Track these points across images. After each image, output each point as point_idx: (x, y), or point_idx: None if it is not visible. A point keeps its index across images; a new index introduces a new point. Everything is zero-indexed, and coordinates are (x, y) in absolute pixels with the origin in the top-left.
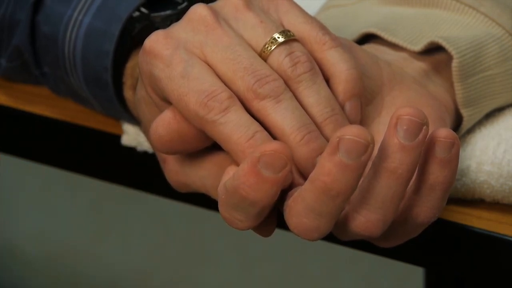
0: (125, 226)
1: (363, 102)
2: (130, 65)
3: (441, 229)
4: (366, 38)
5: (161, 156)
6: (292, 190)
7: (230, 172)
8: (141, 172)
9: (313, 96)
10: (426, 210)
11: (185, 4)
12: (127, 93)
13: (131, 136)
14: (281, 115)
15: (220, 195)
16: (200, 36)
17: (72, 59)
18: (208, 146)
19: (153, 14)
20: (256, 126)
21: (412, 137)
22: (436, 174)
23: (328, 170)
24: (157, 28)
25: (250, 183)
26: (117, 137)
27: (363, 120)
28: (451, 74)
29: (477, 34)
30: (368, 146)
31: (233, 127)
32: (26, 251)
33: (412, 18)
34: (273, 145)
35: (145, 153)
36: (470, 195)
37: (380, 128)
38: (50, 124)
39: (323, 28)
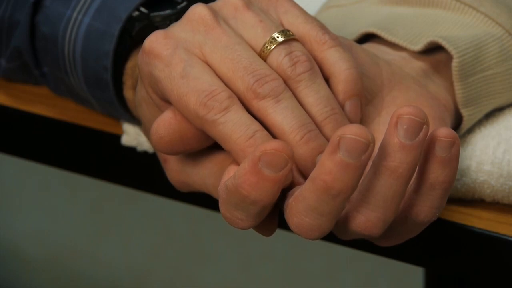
0: (125, 226)
1: (363, 102)
2: (130, 65)
3: (441, 229)
4: (366, 38)
5: (162, 156)
6: (292, 189)
7: (231, 171)
8: (141, 172)
9: (313, 95)
10: (426, 210)
11: (184, 3)
12: (127, 93)
13: (131, 136)
14: (281, 115)
15: (221, 194)
16: (200, 36)
17: (72, 60)
18: (209, 146)
19: (152, 14)
20: (256, 125)
21: (413, 136)
22: (437, 173)
23: (328, 169)
24: (157, 28)
25: (251, 182)
26: (117, 137)
27: (363, 119)
28: (451, 74)
29: (477, 34)
30: (368, 145)
31: (233, 126)
32: (26, 251)
33: (412, 17)
34: (274, 144)
35: (145, 153)
36: (470, 195)
37: (380, 128)
38: (50, 124)
39: (322, 27)
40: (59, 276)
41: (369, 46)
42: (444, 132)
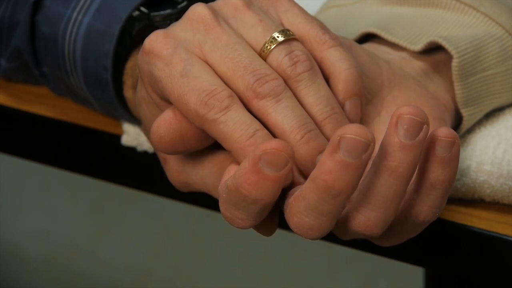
0: (125, 226)
1: (363, 101)
2: (130, 65)
3: (441, 229)
4: (366, 38)
5: (162, 156)
6: (292, 189)
7: (231, 171)
8: (141, 172)
9: (313, 95)
10: (426, 209)
11: (184, 3)
12: (128, 93)
13: (131, 136)
14: (281, 114)
15: (221, 194)
16: (200, 35)
17: (72, 60)
18: (209, 146)
19: (153, 14)
20: (256, 124)
21: (413, 136)
22: (437, 173)
23: (329, 169)
24: (157, 28)
25: (251, 181)
26: (117, 137)
27: (363, 119)
28: (451, 74)
29: (477, 34)
30: (369, 145)
31: (234, 125)
32: (26, 251)
33: (412, 17)
34: (274, 143)
35: (145, 153)
36: (470, 195)
37: (380, 127)
38: (50, 124)
39: (323, 27)
40: (59, 276)
41: (369, 46)
42: (444, 132)
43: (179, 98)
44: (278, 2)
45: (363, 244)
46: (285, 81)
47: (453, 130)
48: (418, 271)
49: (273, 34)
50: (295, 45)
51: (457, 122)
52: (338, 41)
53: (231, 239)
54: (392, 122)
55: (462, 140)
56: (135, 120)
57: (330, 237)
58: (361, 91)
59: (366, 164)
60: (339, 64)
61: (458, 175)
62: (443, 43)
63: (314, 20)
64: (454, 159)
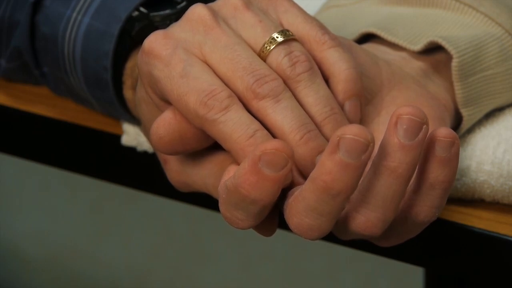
0: (125, 226)
1: (363, 102)
2: (129, 65)
3: (441, 229)
4: (366, 38)
5: (162, 156)
6: (292, 189)
7: (231, 171)
8: (141, 172)
9: (312, 95)
10: (426, 209)
11: (184, 3)
12: (127, 93)
13: (131, 136)
14: (281, 115)
15: (221, 194)
16: (199, 36)
17: (72, 60)
18: (209, 146)
19: (152, 14)
20: (256, 125)
21: (412, 136)
22: (436, 173)
23: (328, 169)
24: (156, 28)
25: (251, 182)
26: (117, 137)
27: (362, 119)
28: (450, 74)
29: (476, 34)
30: (368, 145)
31: (233, 125)
32: (26, 251)
33: (412, 17)
34: (274, 144)
35: (145, 153)
36: (470, 195)
37: (380, 128)
38: (50, 124)
39: (322, 27)
40: (59, 276)
41: (369, 46)
42: (443, 132)
43: (178, 98)
44: (278, 2)
45: (363, 244)
46: (285, 82)
47: (452, 130)
48: (418, 271)
49: (273, 35)
50: (294, 45)
51: (457, 122)
52: (338, 41)
53: (231, 239)
54: (392, 122)
55: (462, 140)
56: (135, 120)
57: (330, 237)
58: (361, 91)
59: (366, 164)
60: (338, 65)
61: (458, 175)
62: (443, 43)
63: (314, 20)
64: (453, 159)
